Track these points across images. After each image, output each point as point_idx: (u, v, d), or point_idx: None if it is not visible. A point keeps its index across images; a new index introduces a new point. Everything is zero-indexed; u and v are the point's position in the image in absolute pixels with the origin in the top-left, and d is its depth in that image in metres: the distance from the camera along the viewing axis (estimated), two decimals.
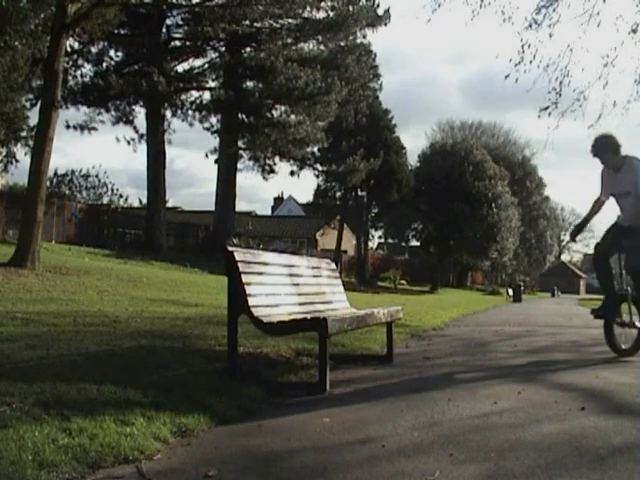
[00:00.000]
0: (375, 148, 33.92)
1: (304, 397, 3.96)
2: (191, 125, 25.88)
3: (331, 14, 24.57)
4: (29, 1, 12.65)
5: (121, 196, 30.33)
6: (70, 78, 22.31)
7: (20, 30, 12.25)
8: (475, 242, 40.91)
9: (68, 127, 23.52)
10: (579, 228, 6.75)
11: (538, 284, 69.25)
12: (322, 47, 26.20)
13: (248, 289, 4.18)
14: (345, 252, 43.24)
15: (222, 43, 25.22)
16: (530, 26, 11.58)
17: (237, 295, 4.16)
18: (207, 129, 25.87)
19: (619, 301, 5.98)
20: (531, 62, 11.46)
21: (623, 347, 6.05)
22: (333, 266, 6.14)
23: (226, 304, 4.31)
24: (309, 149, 30.40)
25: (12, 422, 2.69)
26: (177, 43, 25.96)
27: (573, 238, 7.18)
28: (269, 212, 58.56)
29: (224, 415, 3.28)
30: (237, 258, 4.20)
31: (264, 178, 28.96)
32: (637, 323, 6.02)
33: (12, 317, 5.88)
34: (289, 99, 23.72)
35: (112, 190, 30.04)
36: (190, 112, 25.08)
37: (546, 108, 11.98)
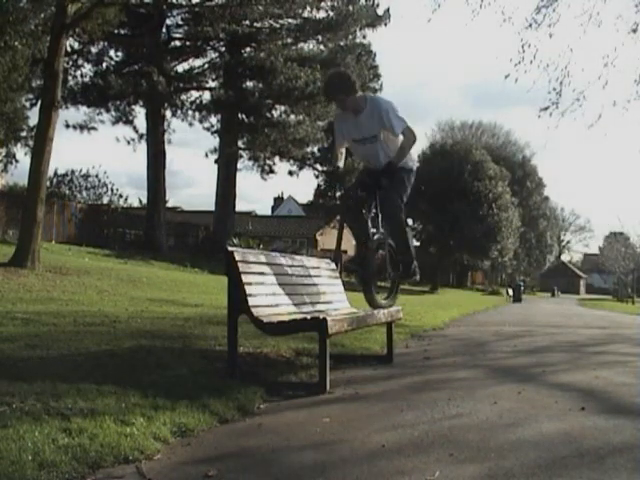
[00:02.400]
0: None
1: (304, 397, 3.95)
2: (191, 125, 25.90)
3: (331, 14, 24.58)
4: (29, 1, 12.64)
5: (121, 196, 30.39)
6: (70, 78, 22.32)
7: (20, 30, 12.25)
8: (475, 242, 40.91)
9: (68, 126, 23.57)
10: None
11: (538, 284, 69.29)
12: (322, 47, 26.20)
13: (248, 289, 4.18)
14: (345, 252, 43.18)
15: (222, 43, 25.22)
16: (530, 26, 11.59)
17: (237, 295, 4.16)
18: (207, 129, 25.92)
19: (376, 250, 5.26)
20: (531, 62, 11.48)
21: (382, 301, 5.44)
22: (333, 266, 6.14)
23: (226, 304, 4.31)
24: (309, 149, 30.39)
25: (12, 422, 2.69)
26: (177, 43, 25.98)
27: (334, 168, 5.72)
28: (269, 212, 58.57)
29: (224, 415, 3.28)
30: (237, 258, 4.20)
31: (263, 178, 28.98)
32: (391, 272, 5.41)
33: (12, 317, 5.87)
34: (289, 99, 23.72)
35: (112, 190, 30.08)
36: (190, 112, 25.12)
37: (546, 108, 12.01)
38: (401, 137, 4.94)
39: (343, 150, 5.37)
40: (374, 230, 5.17)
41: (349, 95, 4.86)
